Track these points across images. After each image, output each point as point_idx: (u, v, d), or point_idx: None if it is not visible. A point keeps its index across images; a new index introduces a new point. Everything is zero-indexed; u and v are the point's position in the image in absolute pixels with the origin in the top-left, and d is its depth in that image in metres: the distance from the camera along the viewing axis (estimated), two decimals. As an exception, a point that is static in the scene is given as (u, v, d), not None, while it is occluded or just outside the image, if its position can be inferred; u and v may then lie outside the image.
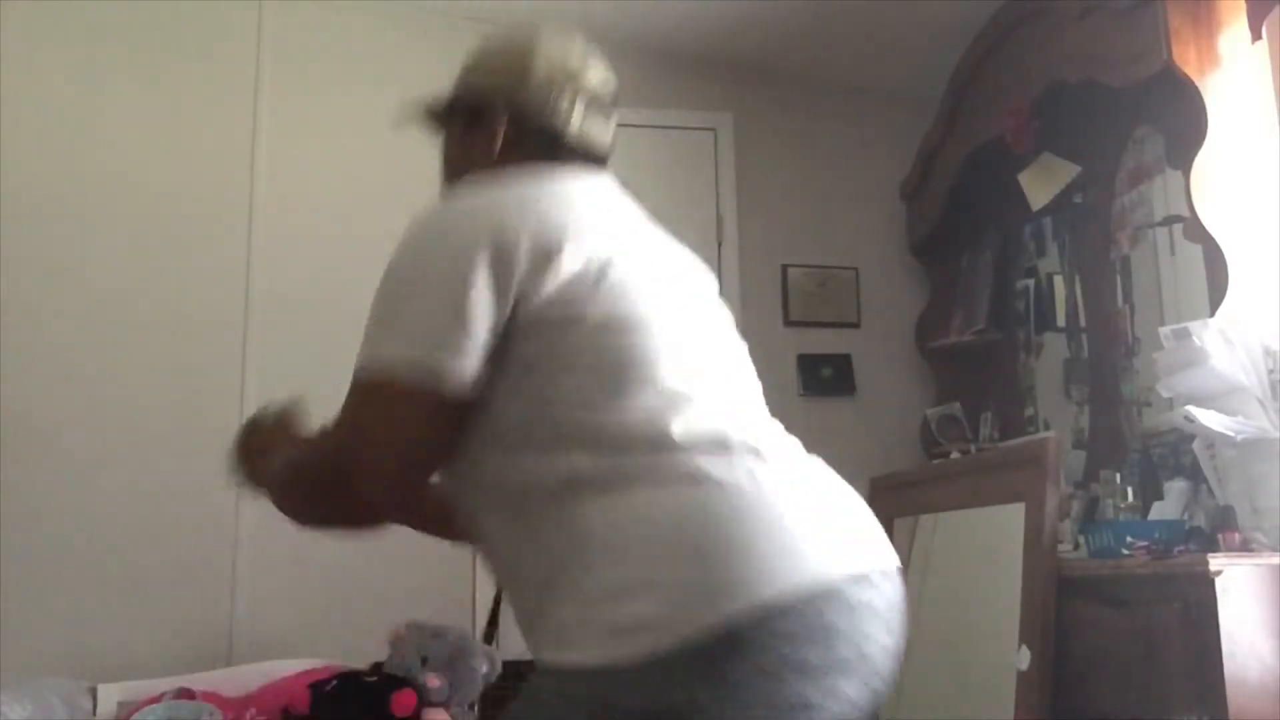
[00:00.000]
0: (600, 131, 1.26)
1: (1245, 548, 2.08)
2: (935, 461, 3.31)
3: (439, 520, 1.23)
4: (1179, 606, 2.00)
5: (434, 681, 2.45)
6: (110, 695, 2.51)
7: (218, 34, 3.14)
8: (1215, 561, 1.95)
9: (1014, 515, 2.52)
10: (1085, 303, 3.03)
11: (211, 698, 2.45)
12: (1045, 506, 2.42)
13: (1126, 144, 2.86)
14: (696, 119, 3.57)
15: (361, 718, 2.38)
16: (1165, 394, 2.37)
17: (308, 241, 3.09)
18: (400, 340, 1.00)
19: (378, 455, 1.02)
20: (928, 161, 3.55)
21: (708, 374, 1.06)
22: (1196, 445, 2.30)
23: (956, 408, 3.45)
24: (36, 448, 2.76)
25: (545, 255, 1.00)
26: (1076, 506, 2.71)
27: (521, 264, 0.99)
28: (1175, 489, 2.40)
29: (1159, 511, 2.41)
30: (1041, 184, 3.08)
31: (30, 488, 2.73)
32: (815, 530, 0.97)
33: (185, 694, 2.44)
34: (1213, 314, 2.32)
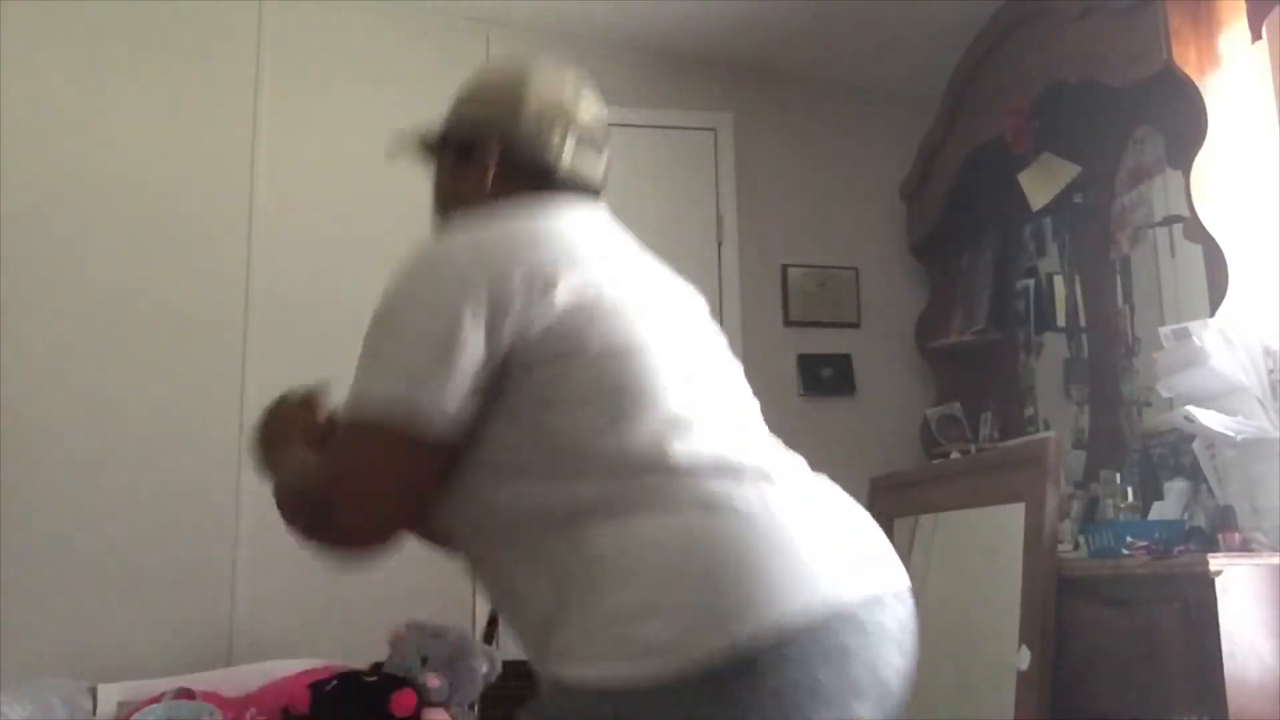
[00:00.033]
0: (592, 166, 1.26)
1: (1245, 548, 2.08)
2: (935, 461, 3.31)
3: (438, 535, 1.22)
4: (1179, 606, 2.00)
5: (434, 681, 2.45)
6: (110, 695, 2.51)
7: (218, 34, 3.14)
8: (1215, 561, 1.95)
9: (1014, 515, 2.52)
10: (1085, 303, 3.03)
11: (211, 698, 2.45)
12: (1045, 506, 2.42)
13: (1126, 144, 2.86)
14: (696, 119, 3.57)
15: (361, 718, 2.38)
16: (1165, 394, 2.37)
17: (308, 241, 3.09)
18: (389, 381, 1.00)
19: (361, 497, 1.01)
20: (928, 161, 3.55)
21: (709, 398, 1.06)
22: (1196, 445, 2.30)
23: (956, 408, 3.45)
24: (36, 448, 2.76)
25: (540, 290, 1.00)
26: (1076, 506, 2.71)
27: (515, 301, 0.99)
28: (1175, 489, 2.40)
29: (1159, 511, 2.41)
30: (1041, 184, 3.08)
31: (30, 488, 2.73)
32: (826, 552, 0.97)
33: (185, 694, 2.44)
34: (1213, 314, 2.32)
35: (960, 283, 3.56)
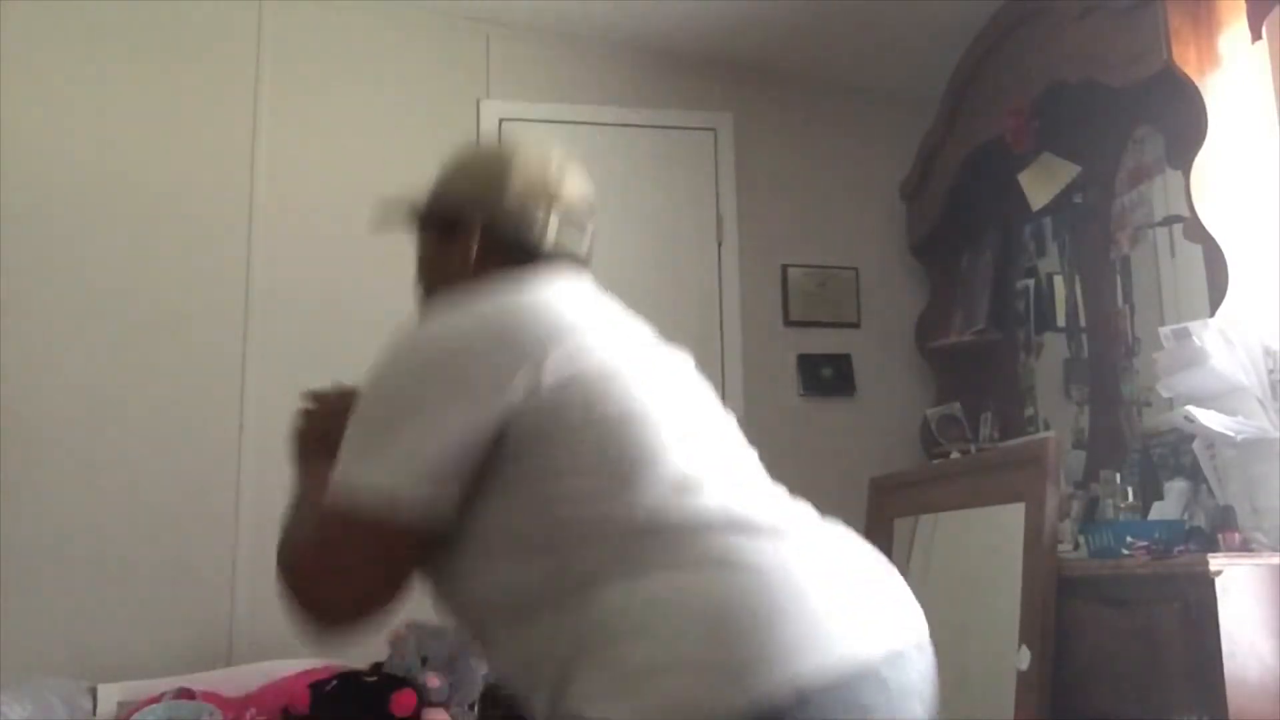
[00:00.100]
0: (576, 242, 1.26)
1: (1245, 548, 2.08)
2: (935, 461, 3.31)
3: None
4: (1179, 606, 2.00)
5: (434, 681, 2.45)
6: (110, 695, 2.51)
7: (218, 34, 3.15)
8: (1215, 561, 1.95)
9: (1014, 515, 2.52)
10: (1085, 303, 3.03)
11: (211, 698, 2.45)
12: (1045, 506, 2.42)
13: (1126, 144, 2.86)
14: (696, 119, 3.57)
15: (361, 718, 2.38)
16: (1165, 394, 2.37)
17: (308, 241, 3.09)
18: (369, 469, 0.99)
19: (336, 584, 1.02)
20: (928, 161, 3.55)
21: (710, 455, 1.06)
22: (1196, 445, 2.30)
23: (956, 408, 3.45)
24: (36, 448, 2.76)
25: (529, 367, 1.00)
26: (1076, 506, 2.71)
27: (505, 382, 0.99)
28: (1175, 489, 2.40)
29: (1159, 511, 2.41)
30: (1041, 184, 3.08)
31: (30, 488, 2.73)
32: (844, 607, 0.96)
33: (185, 694, 2.44)
34: (1213, 314, 2.32)
35: (960, 283, 3.56)
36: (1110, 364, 2.88)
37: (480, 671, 2.53)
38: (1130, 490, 2.55)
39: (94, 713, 2.47)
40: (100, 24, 3.03)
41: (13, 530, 2.69)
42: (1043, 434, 3.02)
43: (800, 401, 3.46)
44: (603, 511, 0.97)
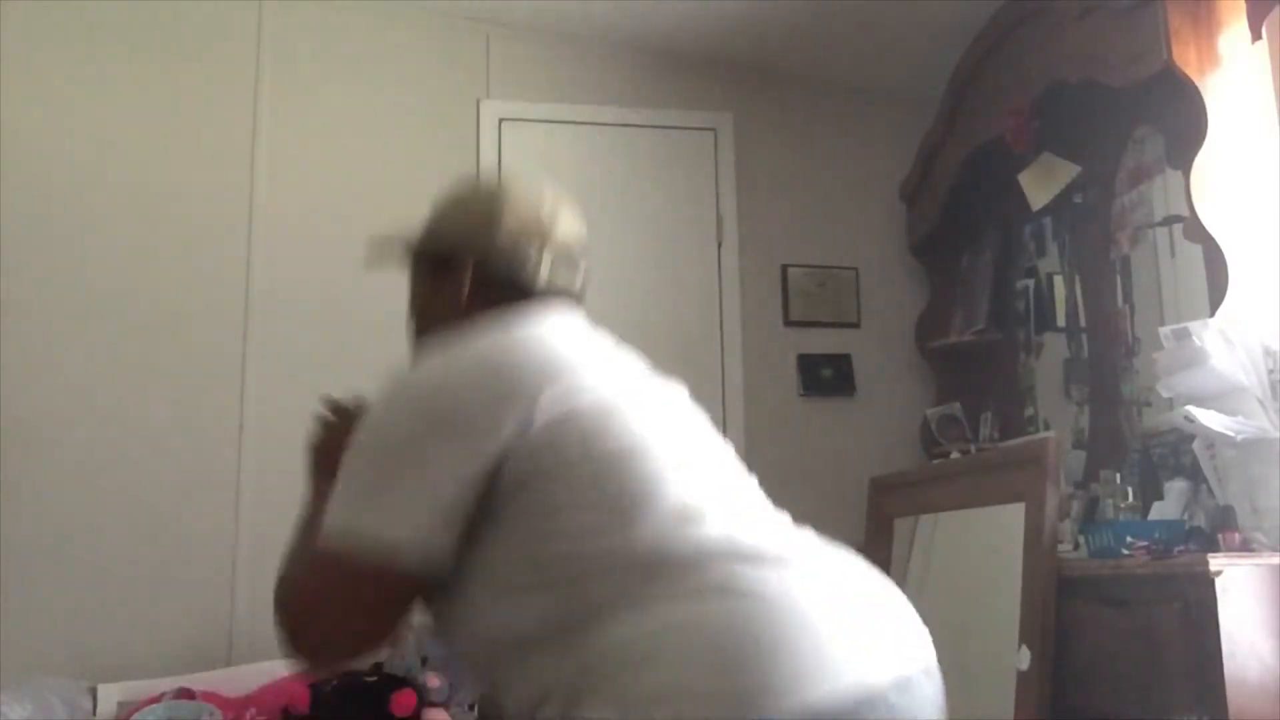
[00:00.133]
0: (569, 279, 1.26)
1: (1245, 548, 2.08)
2: (935, 461, 3.31)
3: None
4: (1179, 606, 2.00)
5: (434, 681, 2.45)
6: (110, 695, 2.51)
7: (218, 34, 3.14)
8: (1215, 561, 1.95)
9: (1014, 515, 2.52)
10: (1085, 303, 3.03)
11: (211, 698, 2.45)
12: (1045, 506, 2.42)
13: (1126, 144, 2.86)
14: (696, 119, 3.57)
15: (361, 718, 2.38)
16: (1165, 394, 2.37)
17: (308, 241, 3.09)
18: (359, 513, 1.00)
19: (324, 627, 1.02)
20: (928, 161, 3.55)
21: (710, 485, 1.06)
22: (1196, 445, 2.30)
23: (956, 408, 3.45)
24: (36, 448, 2.76)
25: (523, 405, 1.00)
26: (1076, 506, 2.71)
27: (499, 421, 0.99)
28: (1175, 489, 2.40)
29: (1159, 511, 2.41)
30: (1041, 184, 3.08)
31: (30, 488, 2.73)
32: (850, 634, 0.95)
33: (185, 694, 2.44)
34: (1213, 314, 2.32)
35: (960, 283, 3.56)
36: (1110, 364, 2.88)
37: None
38: (1130, 490, 2.55)
39: (94, 713, 2.47)
40: (100, 24, 3.03)
41: (13, 530, 2.69)
42: (1043, 434, 3.02)
43: (800, 401, 3.45)
44: (603, 546, 0.97)
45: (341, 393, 1.27)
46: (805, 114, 3.72)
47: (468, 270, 1.23)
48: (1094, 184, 2.98)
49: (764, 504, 1.12)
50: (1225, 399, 2.19)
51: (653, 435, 1.05)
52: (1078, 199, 3.05)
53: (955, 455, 3.19)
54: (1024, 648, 2.33)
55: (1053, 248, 3.21)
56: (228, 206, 3.06)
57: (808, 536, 1.08)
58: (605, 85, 3.48)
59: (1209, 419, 2.14)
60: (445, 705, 2.46)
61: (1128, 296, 2.84)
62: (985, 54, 3.25)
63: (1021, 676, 2.32)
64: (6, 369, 2.77)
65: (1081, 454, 2.94)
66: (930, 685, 1.00)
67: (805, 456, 3.35)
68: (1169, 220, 2.68)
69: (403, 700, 2.40)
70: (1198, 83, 2.41)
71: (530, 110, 3.40)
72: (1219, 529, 2.13)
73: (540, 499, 0.99)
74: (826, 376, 3.52)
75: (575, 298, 1.27)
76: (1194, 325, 2.25)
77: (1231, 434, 2.13)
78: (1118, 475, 2.62)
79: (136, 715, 2.36)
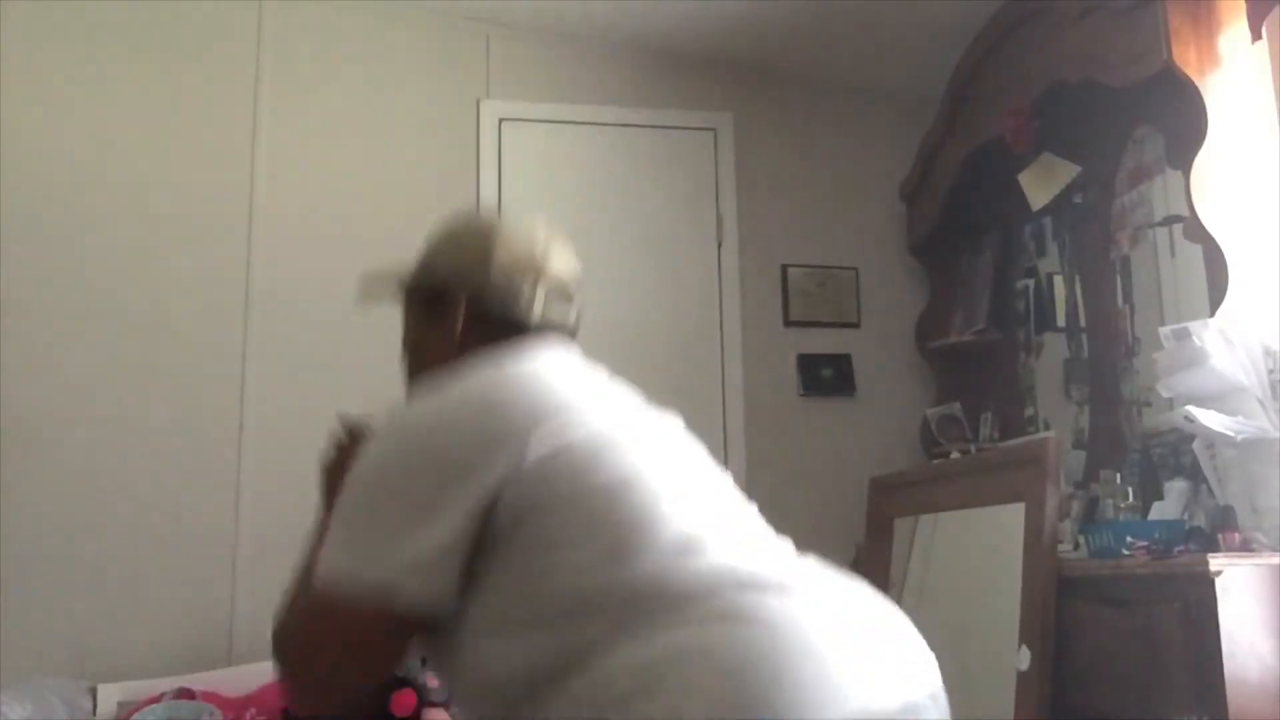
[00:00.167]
0: (563, 314, 1.26)
1: (1245, 548, 2.08)
2: (935, 461, 3.31)
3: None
4: (1179, 606, 2.00)
5: (434, 681, 2.45)
6: (110, 695, 2.52)
7: (218, 34, 3.14)
8: (1215, 561, 1.95)
9: (1014, 515, 2.52)
10: (1085, 303, 3.03)
11: (211, 698, 2.45)
12: (1045, 506, 2.42)
13: (1126, 144, 2.86)
14: (696, 119, 3.57)
15: (361, 718, 2.37)
16: (1165, 394, 2.37)
17: (308, 241, 3.09)
18: (353, 555, 0.99)
19: (316, 671, 1.01)
20: (928, 161, 3.55)
21: (710, 514, 1.05)
22: (1196, 445, 2.30)
23: (956, 408, 3.45)
24: (36, 448, 2.76)
25: (517, 441, 0.99)
26: (1076, 506, 2.71)
27: (493, 458, 0.99)
28: (1175, 489, 2.40)
29: (1159, 511, 2.41)
30: (1041, 184, 3.08)
31: (30, 488, 2.73)
32: (855, 660, 0.95)
33: (185, 694, 2.44)
34: (1213, 314, 2.32)
35: (960, 283, 3.56)
36: (1110, 364, 2.88)
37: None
38: (1130, 490, 2.55)
39: (94, 713, 2.47)
40: (100, 24, 3.03)
41: (13, 530, 2.69)
42: (1043, 434, 3.02)
43: (800, 401, 3.45)
44: (601, 580, 0.97)
45: (355, 410, 1.27)
46: (805, 114, 3.72)
47: (461, 306, 1.23)
48: (1094, 184, 2.98)
49: (765, 532, 1.11)
50: (1225, 399, 2.19)
51: (649, 468, 1.04)
52: (1078, 199, 3.05)
53: (955, 455, 3.19)
54: (1024, 648, 2.33)
55: (1053, 248, 3.21)
56: (228, 206, 3.06)
57: (810, 563, 1.07)
58: (605, 85, 3.48)
59: (1209, 419, 2.14)
60: (445, 705, 2.46)
61: (1128, 296, 2.84)
62: (985, 54, 3.25)
63: (1021, 676, 2.32)
64: (6, 369, 2.77)
65: (1081, 454, 2.94)
66: (936, 711, 0.99)
67: (805, 456, 3.35)
68: (1169, 220, 2.68)
69: (403, 700, 2.40)
70: (1198, 83, 2.41)
71: (530, 110, 3.40)
72: (1219, 529, 2.13)
73: (536, 534, 0.98)
74: (826, 376, 3.52)
75: (569, 333, 1.27)
76: (1194, 325, 2.25)
77: (1231, 434, 2.13)
78: (1118, 475, 2.62)
79: (136, 715, 2.36)
